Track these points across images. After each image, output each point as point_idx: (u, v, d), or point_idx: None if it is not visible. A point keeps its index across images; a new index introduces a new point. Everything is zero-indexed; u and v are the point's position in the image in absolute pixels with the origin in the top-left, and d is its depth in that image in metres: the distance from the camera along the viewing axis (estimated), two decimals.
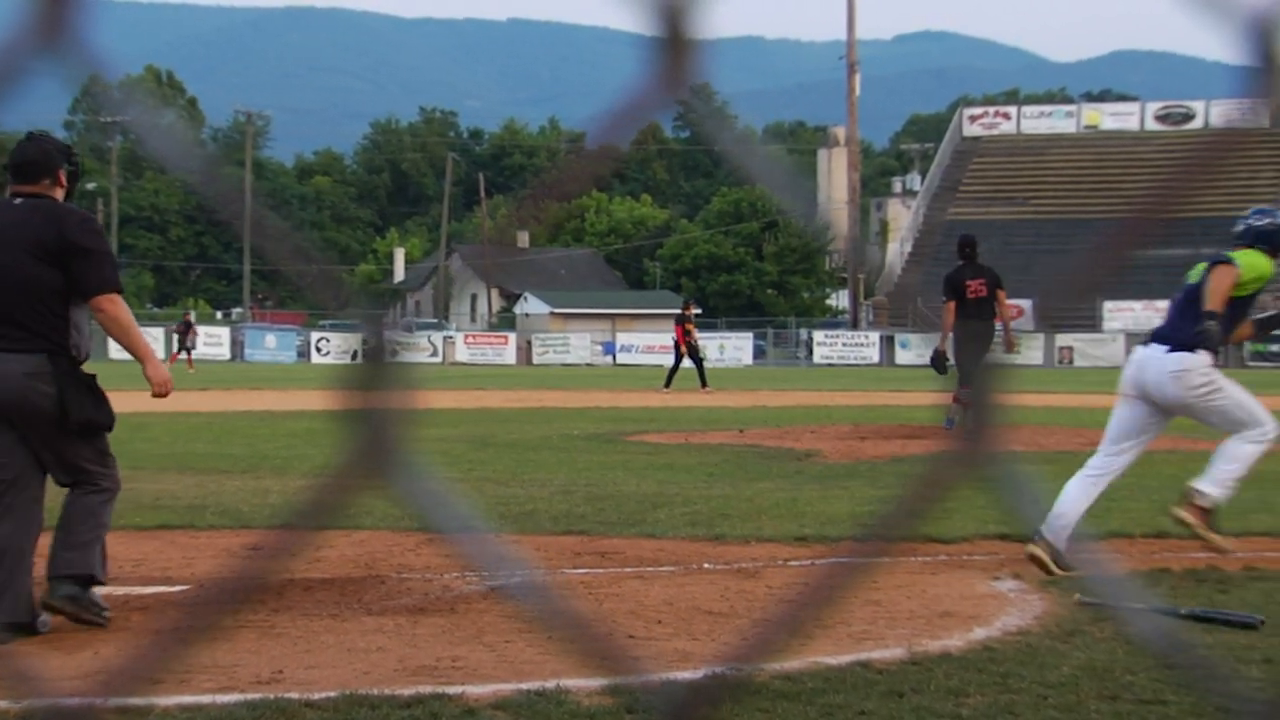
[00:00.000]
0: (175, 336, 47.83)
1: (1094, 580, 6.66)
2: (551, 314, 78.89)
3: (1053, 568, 7.28)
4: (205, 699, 4.90)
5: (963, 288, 15.49)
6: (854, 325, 62.90)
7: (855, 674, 5.27)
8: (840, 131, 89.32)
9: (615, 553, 8.18)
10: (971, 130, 74.18)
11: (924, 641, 5.86)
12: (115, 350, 8.00)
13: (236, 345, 62.19)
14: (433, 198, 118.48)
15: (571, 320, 76.23)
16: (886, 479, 12.01)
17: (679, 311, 32.26)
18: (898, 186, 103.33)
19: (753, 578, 7.44)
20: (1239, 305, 7.91)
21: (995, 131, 73.66)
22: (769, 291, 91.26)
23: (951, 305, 15.54)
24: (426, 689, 5.06)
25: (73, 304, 6.09)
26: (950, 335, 15.54)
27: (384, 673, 5.33)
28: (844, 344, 58.87)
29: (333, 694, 4.97)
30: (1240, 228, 8.27)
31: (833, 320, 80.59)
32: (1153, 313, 57.54)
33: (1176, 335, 7.84)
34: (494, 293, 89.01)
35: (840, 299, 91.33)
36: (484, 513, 9.48)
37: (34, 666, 5.25)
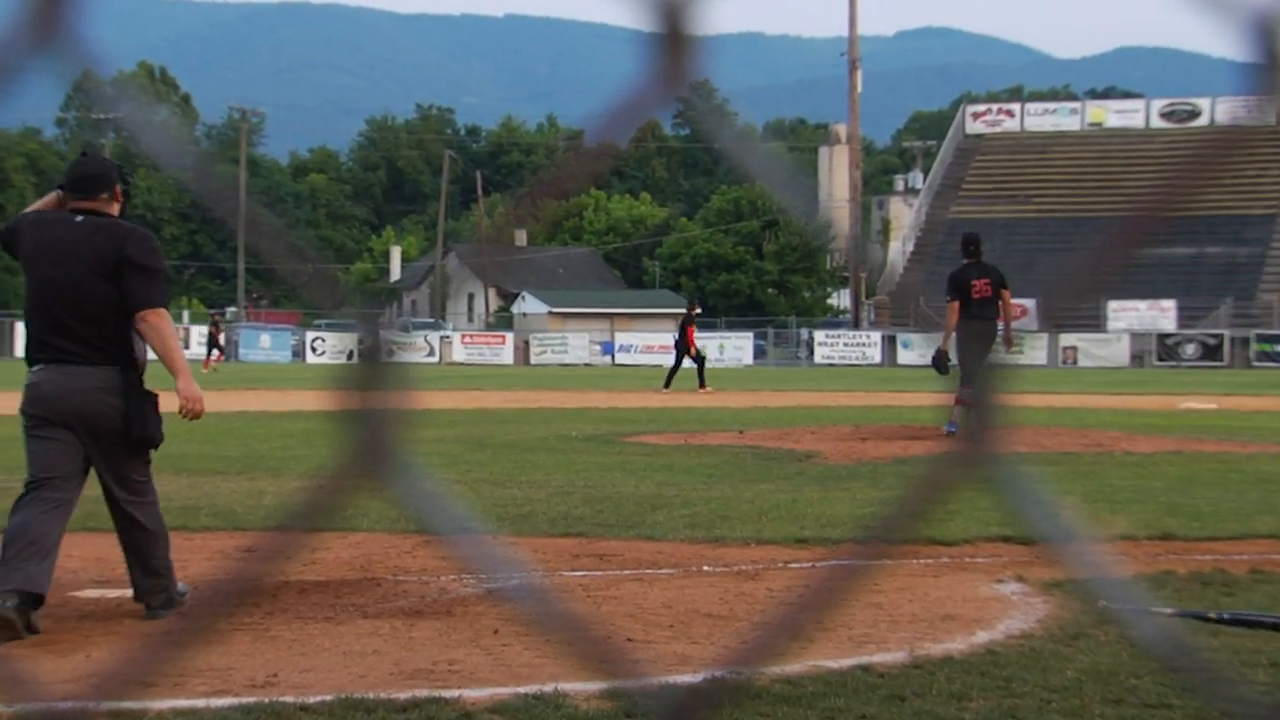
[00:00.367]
0: (208, 337, 48.22)
1: (1098, 584, 6.67)
2: (549, 313, 78.88)
3: None
4: (199, 703, 4.90)
5: (968, 287, 15.47)
6: (855, 325, 62.90)
7: (856, 678, 5.28)
8: (841, 129, 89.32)
9: (613, 555, 8.18)
10: (974, 127, 74.17)
11: (926, 645, 5.87)
12: None
13: (231, 345, 62.18)
14: (429, 195, 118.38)
15: (570, 320, 76.22)
16: (888, 481, 12.02)
17: (686, 312, 32.23)
18: (900, 184, 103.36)
19: (753, 580, 7.45)
20: None
21: (998, 129, 73.65)
22: (769, 291, 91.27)
23: (955, 305, 15.52)
24: (423, 692, 5.06)
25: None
26: (953, 335, 15.54)
27: (380, 676, 5.34)
28: (845, 344, 58.87)
29: (328, 698, 4.97)
30: None
31: (834, 320, 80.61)
32: (1157, 312, 57.59)
33: None
34: (491, 292, 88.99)
35: (841, 298, 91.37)
36: (481, 514, 9.48)
37: (26, 669, 5.25)
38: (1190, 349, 54.49)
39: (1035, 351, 52.98)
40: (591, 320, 74.02)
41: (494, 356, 61.71)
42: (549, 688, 5.04)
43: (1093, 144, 70.98)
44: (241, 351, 62.15)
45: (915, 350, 53.96)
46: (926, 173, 79.41)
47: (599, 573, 7.63)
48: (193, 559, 8.03)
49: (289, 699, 4.95)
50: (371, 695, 4.99)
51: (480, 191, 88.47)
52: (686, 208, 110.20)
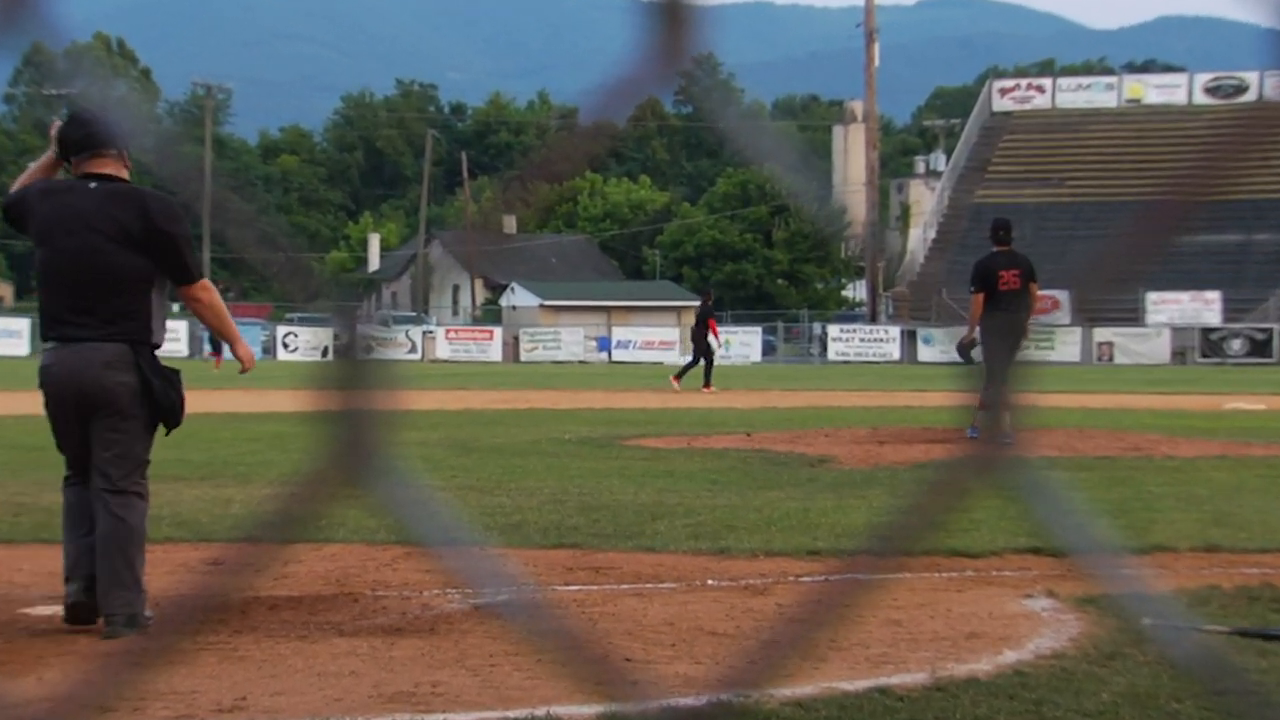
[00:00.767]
0: (209, 336, 48.20)
1: (1136, 600, 6.67)
2: (541, 306, 78.90)
3: None
4: None
5: (995, 278, 15.44)
6: (872, 319, 62.94)
7: (873, 701, 5.28)
8: (857, 106, 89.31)
9: (611, 568, 8.19)
10: (1002, 105, 74.24)
11: (949, 665, 5.87)
12: None
13: (195, 340, 62.18)
14: (411, 179, 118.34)
15: (563, 313, 76.25)
16: (907, 487, 12.03)
17: (703, 304, 32.24)
18: (920, 166, 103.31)
19: (761, 595, 7.45)
20: None
21: (1028, 106, 73.73)
22: (779, 282, 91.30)
23: (980, 297, 15.50)
24: (404, 717, 5.06)
25: (155, 291, 6.47)
26: (978, 330, 15.52)
27: (357, 699, 5.34)
28: (861, 339, 58.91)
29: None
30: None
31: (849, 313, 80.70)
32: (1201, 305, 57.61)
33: None
34: (478, 283, 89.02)
35: (857, 290, 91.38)
36: (468, 524, 9.49)
37: None
38: (1236, 344, 54.53)
39: (1068, 347, 53.02)
40: (586, 314, 74.06)
41: (481, 353, 61.75)
42: (541, 711, 5.05)
43: (1130, 122, 71.04)
44: (206, 347, 62.15)
45: (937, 346, 54.02)
46: (949, 154, 79.49)
47: (595, 587, 7.64)
48: (154, 573, 8.02)
49: None
50: None
51: (466, 174, 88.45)
52: (689, 192, 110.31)
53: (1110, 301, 55.73)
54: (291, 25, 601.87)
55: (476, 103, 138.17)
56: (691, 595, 7.44)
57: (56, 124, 6.60)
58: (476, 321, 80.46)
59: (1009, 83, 77.79)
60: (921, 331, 57.02)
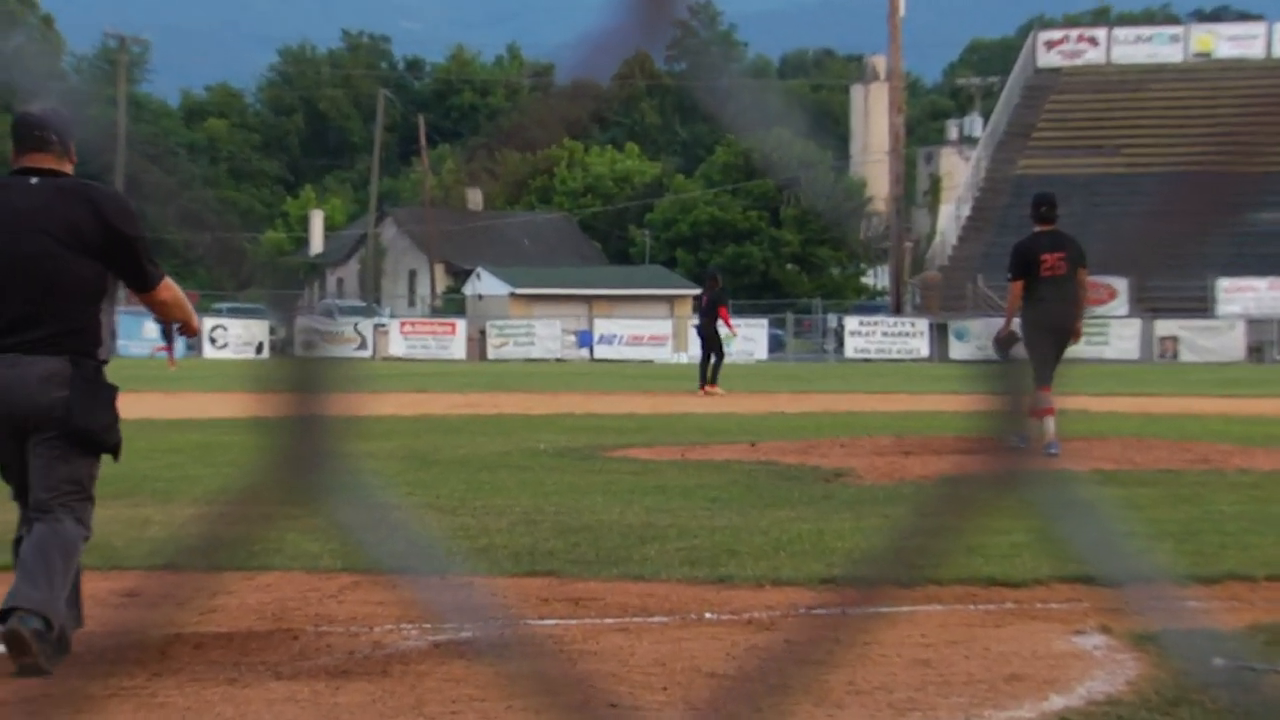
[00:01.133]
0: (162, 327, 48.02)
1: (1200, 636, 6.69)
2: (511, 295, 78.81)
3: None
4: None
5: (1036, 262, 15.44)
6: (896, 310, 63.02)
7: None
8: (880, 62, 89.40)
9: (593, 599, 8.20)
10: (1048, 60, 74.31)
11: (986, 712, 5.88)
12: None
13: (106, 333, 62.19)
14: (359, 147, 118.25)
15: (537, 303, 76.18)
16: (937, 505, 12.03)
17: (711, 288, 32.20)
18: (953, 132, 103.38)
19: (767, 630, 7.47)
20: None
21: (1078, 61, 73.81)
22: (788, 267, 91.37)
23: (1019, 285, 15.50)
24: None
25: (107, 300, 6.60)
26: (1017, 323, 15.54)
27: None
28: (884, 333, 58.99)
29: None
30: None
31: (869, 304, 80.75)
32: (1279, 292, 57.70)
33: None
34: (438, 269, 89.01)
35: (879, 277, 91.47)
36: (427, 547, 9.49)
37: None
38: None
39: (1124, 342, 53.11)
40: (564, 304, 74.01)
41: (441, 349, 61.76)
42: None
43: (1198, 80, 71.11)
44: (120, 343, 62.03)
45: (972, 341, 54.10)
46: (987, 117, 79.53)
47: (574, 621, 7.65)
48: None
49: None
50: None
51: (424, 141, 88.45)
52: (684, 162, 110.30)
53: (1174, 289, 55.84)
54: None
55: (436, 58, 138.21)
56: (686, 631, 7.45)
57: None
58: (436, 313, 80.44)
59: (1056, 34, 77.83)
60: (954, 324, 57.07)
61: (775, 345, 62.14)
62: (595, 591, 8.43)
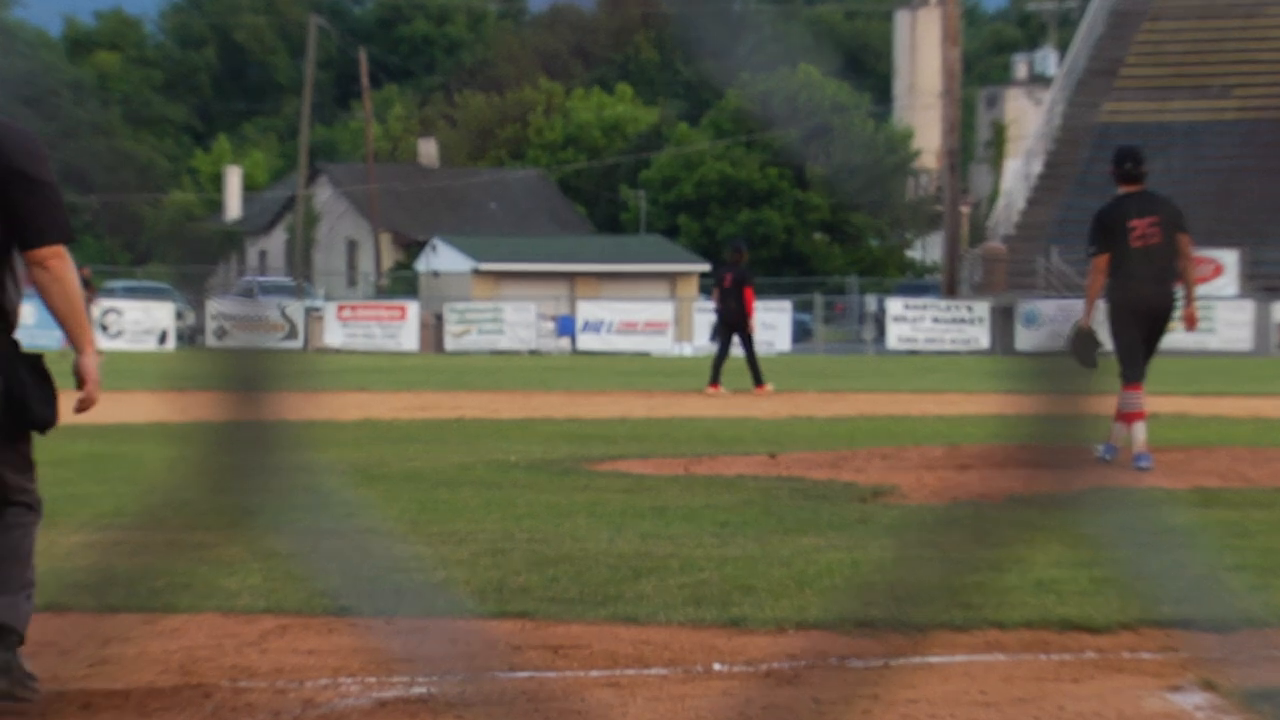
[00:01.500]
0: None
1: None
2: (475, 273, 78.89)
3: None
4: None
5: (1123, 231, 15.43)
6: (950, 290, 63.00)
7: None
8: None
9: (575, 646, 8.19)
10: None
11: None
12: None
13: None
14: (286, 88, 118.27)
15: (506, 282, 76.29)
16: (1000, 530, 12.03)
17: (733, 262, 32.22)
18: (1021, 70, 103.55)
19: (790, 685, 7.46)
20: None
21: None
22: (816, 236, 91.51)
23: (1103, 260, 15.49)
24: None
25: (11, 253, 6.63)
26: (1099, 306, 15.52)
27: None
28: (934, 319, 59.00)
29: None
30: None
31: (917, 283, 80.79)
32: None
33: None
34: (385, 239, 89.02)
35: (928, 249, 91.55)
36: (371, 584, 9.47)
37: None
38: None
39: (1235, 330, 53.18)
40: (540, 282, 74.11)
41: (389, 339, 61.73)
42: None
43: None
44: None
45: (1044, 328, 54.07)
46: (1063, 52, 79.59)
47: (553, 673, 7.64)
48: None
49: None
50: None
51: (366, 82, 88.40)
52: (688, 108, 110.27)
53: None
54: None
55: None
56: (690, 685, 7.45)
57: None
58: (382, 294, 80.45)
59: None
60: (1022, 307, 56.95)
61: (800, 333, 62.24)
62: (578, 637, 8.42)
